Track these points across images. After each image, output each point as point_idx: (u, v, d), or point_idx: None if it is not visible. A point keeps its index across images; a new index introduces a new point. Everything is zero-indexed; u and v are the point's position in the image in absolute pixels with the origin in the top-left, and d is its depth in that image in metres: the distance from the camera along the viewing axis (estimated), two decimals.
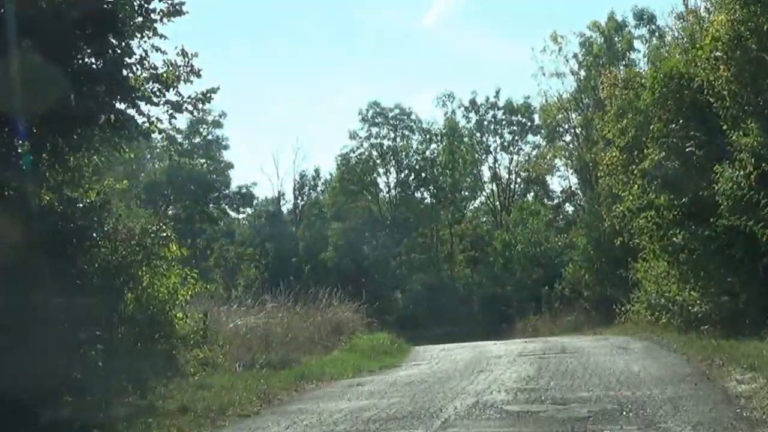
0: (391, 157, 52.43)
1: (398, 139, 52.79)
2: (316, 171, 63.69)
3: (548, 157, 46.83)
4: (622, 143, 23.40)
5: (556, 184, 79.52)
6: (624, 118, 23.26)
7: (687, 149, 20.17)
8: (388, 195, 53.02)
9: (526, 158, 51.94)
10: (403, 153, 51.39)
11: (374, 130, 52.81)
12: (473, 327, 41.38)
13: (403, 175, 51.85)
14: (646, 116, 21.94)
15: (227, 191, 45.12)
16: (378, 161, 53.23)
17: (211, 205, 45.51)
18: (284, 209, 67.42)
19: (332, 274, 55.13)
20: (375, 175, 53.10)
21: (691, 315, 20.59)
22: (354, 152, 52.64)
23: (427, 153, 50.74)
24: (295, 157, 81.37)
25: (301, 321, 21.64)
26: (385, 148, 52.90)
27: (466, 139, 52.07)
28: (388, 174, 53.38)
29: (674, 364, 14.24)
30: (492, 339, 38.29)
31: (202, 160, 44.40)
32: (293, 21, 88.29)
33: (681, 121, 20.29)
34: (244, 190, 45.69)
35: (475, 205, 54.18)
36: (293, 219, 64.67)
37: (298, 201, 65.46)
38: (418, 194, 52.13)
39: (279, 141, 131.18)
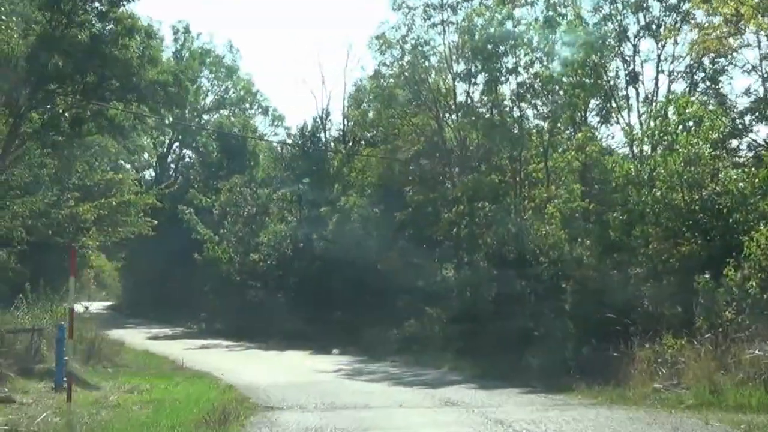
0: (460, 41, 31.32)
1: (470, 12, 31.61)
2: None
3: (726, 25, 24.72)
4: None
5: (740, 82, 54.19)
6: None
7: None
8: (447, 105, 32.06)
9: (688, 47, 29.56)
10: (474, 34, 30.09)
11: None
12: (551, 366, 20.34)
13: (472, 68, 30.67)
14: None
15: (139, 82, 25.24)
16: (437, 47, 32.23)
17: (113, 103, 25.89)
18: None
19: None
20: (428, 71, 32.16)
21: None
22: (398, 31, 31.97)
23: (508, 25, 29.08)
24: (347, 60, 62.28)
25: None
26: (449, 26, 31.90)
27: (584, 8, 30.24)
28: (449, 72, 32.23)
29: None
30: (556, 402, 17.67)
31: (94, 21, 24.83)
32: None
33: None
34: (170, 80, 25.94)
35: (597, 126, 32.36)
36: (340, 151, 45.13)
37: (348, 125, 45.73)
38: (497, 105, 30.71)
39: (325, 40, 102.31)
